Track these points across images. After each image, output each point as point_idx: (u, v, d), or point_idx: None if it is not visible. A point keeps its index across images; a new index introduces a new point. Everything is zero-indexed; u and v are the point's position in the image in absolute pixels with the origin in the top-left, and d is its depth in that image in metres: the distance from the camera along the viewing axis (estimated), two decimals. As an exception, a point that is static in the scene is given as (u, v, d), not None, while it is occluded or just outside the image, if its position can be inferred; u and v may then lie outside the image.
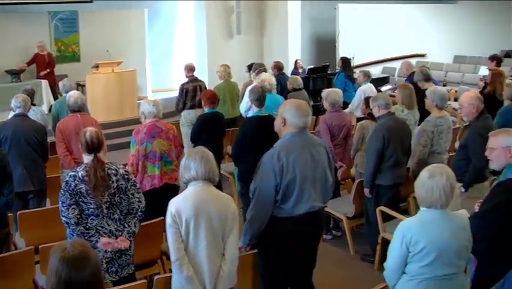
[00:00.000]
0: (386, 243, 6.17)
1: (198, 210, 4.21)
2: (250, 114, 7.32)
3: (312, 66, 16.49)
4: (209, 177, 4.30)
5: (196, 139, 8.09)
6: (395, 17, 19.20)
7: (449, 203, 3.95)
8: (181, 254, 4.23)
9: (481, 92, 9.34)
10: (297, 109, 4.84)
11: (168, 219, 4.25)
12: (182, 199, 4.30)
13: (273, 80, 9.10)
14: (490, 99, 8.83)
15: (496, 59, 10.94)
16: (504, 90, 8.29)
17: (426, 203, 3.93)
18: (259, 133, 6.49)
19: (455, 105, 12.32)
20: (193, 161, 4.28)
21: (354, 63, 15.55)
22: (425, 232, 3.89)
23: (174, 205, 4.27)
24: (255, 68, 10.47)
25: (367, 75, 11.27)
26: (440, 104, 7.04)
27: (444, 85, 17.64)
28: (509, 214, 4.15)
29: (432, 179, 3.88)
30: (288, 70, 15.96)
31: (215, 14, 16.90)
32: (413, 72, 10.33)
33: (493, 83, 9.29)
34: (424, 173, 3.96)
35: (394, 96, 8.35)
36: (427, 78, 9.15)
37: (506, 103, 8.11)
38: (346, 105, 10.99)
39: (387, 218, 6.70)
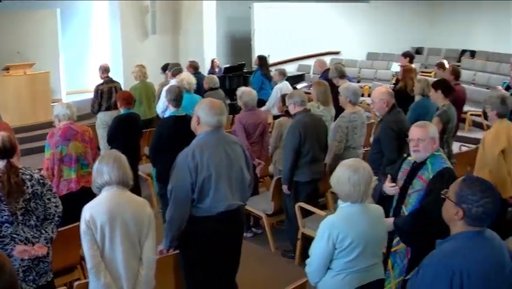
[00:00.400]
0: (306, 238, 6.29)
1: (113, 215, 4.14)
2: (167, 114, 7.29)
3: (228, 65, 16.55)
4: (123, 181, 4.24)
5: (112, 141, 7.98)
6: (310, 16, 19.45)
7: (366, 194, 4.05)
8: (97, 261, 4.14)
9: (393, 88, 9.61)
10: (211, 108, 4.85)
11: (83, 226, 4.15)
12: (96, 205, 4.21)
13: (192, 80, 9.08)
14: (402, 94, 9.10)
15: (409, 56, 11.24)
16: (415, 85, 8.52)
17: (352, 198, 3.99)
18: (176, 133, 6.47)
19: (369, 100, 12.63)
20: (105, 165, 4.21)
21: (270, 61, 15.67)
22: (351, 227, 3.95)
23: (88, 210, 4.17)
24: (170, 68, 10.42)
25: (282, 73, 11.38)
26: (353, 100, 7.19)
27: (358, 82, 18.06)
28: None
29: (357, 173, 3.94)
30: (204, 69, 15.95)
31: (130, 14, 16.63)
32: (327, 69, 10.52)
33: (404, 79, 9.56)
34: (345, 169, 4.00)
35: (309, 93, 8.48)
36: (342, 75, 9.29)
37: (417, 98, 8.35)
38: (263, 103, 11.11)
39: (306, 213, 6.80)
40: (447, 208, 3.10)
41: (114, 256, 4.17)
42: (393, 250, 4.65)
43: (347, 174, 3.97)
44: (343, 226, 3.95)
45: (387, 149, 6.30)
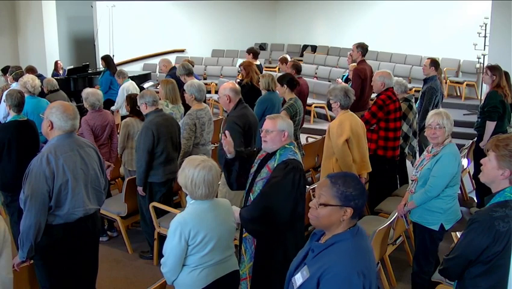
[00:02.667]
0: (163, 238, 6.27)
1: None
2: (8, 120, 6.99)
3: (71, 66, 16.11)
4: None
5: None
6: (154, 14, 19.32)
7: (216, 192, 4.11)
8: None
9: (240, 83, 9.78)
10: (64, 113, 4.68)
11: None
12: None
13: (37, 82, 8.72)
14: (250, 88, 9.27)
15: (253, 52, 11.44)
16: (260, 80, 8.70)
17: (196, 197, 4.04)
18: (20, 139, 6.22)
19: (216, 97, 12.77)
20: None
21: (114, 61, 15.44)
22: (202, 223, 3.98)
23: None
24: (11, 71, 10.03)
25: (122, 73, 11.36)
26: (198, 96, 7.22)
27: (205, 79, 18.19)
28: (298, 189, 4.41)
29: (198, 173, 3.97)
30: (47, 71, 15.50)
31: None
32: (173, 67, 10.54)
33: (248, 74, 9.70)
34: (189, 168, 4.03)
35: (158, 92, 8.43)
36: (189, 72, 9.30)
37: (263, 92, 8.56)
38: (112, 103, 11.06)
39: (161, 213, 6.79)
40: (330, 214, 2.98)
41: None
42: (244, 235, 4.74)
43: (190, 174, 3.99)
44: (194, 222, 3.97)
45: (234, 144, 6.40)
